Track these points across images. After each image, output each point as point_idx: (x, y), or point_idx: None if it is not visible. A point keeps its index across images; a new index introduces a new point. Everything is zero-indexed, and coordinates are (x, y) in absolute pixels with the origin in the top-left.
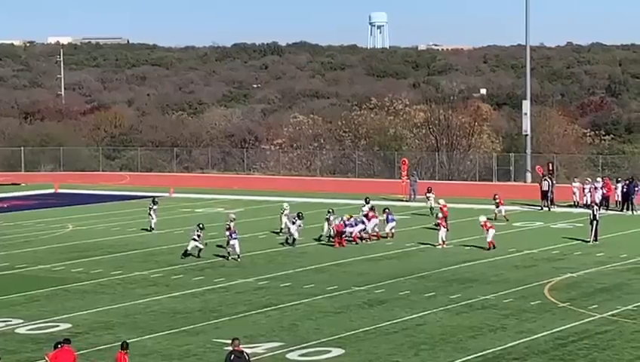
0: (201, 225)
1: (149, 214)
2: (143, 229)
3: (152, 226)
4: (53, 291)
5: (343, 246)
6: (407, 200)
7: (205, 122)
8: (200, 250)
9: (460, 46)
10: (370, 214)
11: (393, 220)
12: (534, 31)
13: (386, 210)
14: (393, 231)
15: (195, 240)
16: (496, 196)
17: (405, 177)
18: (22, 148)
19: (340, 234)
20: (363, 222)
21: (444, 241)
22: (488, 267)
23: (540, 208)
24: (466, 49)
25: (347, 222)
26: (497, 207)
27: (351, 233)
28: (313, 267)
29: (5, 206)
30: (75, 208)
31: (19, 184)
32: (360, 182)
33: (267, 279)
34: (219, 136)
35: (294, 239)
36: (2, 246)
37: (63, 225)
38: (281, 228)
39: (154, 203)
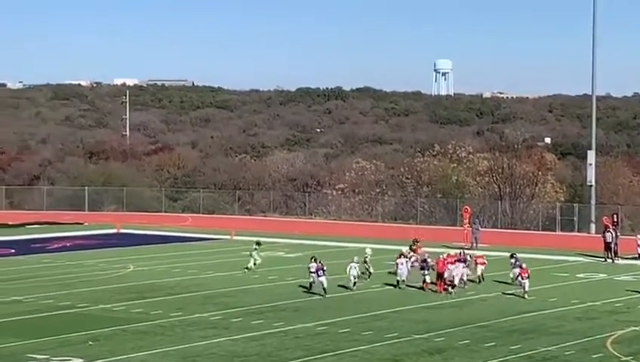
0: (314, 258)
1: (251, 255)
2: (208, 271)
3: (250, 267)
4: (112, 331)
5: (441, 292)
6: (468, 249)
7: (268, 165)
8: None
9: (525, 94)
10: (449, 260)
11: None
12: (601, 81)
13: (514, 256)
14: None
15: (312, 273)
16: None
17: (467, 225)
18: (86, 187)
19: (441, 276)
20: (465, 261)
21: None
22: (550, 318)
23: (603, 260)
24: (531, 97)
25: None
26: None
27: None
28: (372, 313)
29: (68, 245)
30: (137, 248)
31: (82, 223)
32: (422, 229)
33: (326, 324)
34: (281, 179)
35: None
36: (64, 285)
37: (124, 266)
38: (370, 273)
39: (258, 244)
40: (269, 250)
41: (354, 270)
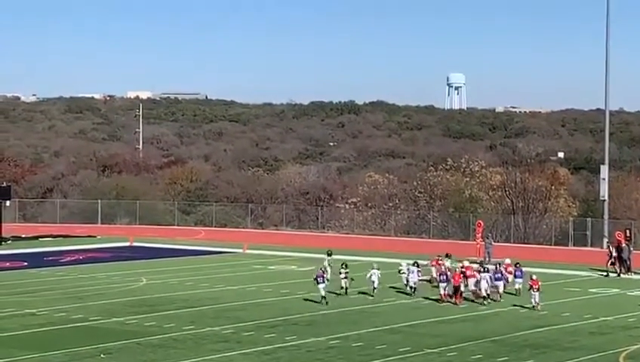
0: (344, 265)
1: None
2: (218, 284)
3: (344, 286)
4: (125, 344)
5: (457, 304)
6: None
7: (281, 179)
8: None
9: (538, 109)
10: (469, 273)
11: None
12: (614, 95)
13: (517, 265)
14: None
15: (345, 278)
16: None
17: (480, 239)
18: (99, 200)
19: (457, 289)
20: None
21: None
22: (563, 333)
23: (617, 275)
24: (544, 112)
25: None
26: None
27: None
28: (386, 327)
29: (81, 258)
30: (150, 262)
31: (95, 236)
32: (434, 243)
33: (339, 338)
34: (294, 193)
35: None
36: (77, 298)
37: (137, 279)
38: (407, 285)
39: (329, 254)
40: (281, 263)
41: (374, 276)
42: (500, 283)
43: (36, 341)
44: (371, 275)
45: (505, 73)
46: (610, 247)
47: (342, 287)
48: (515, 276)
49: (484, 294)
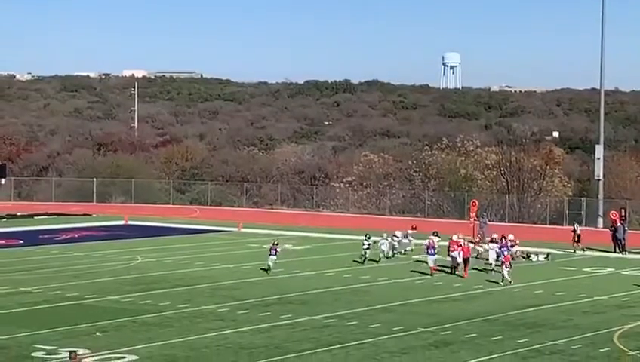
0: (367, 235)
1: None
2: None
3: (385, 255)
4: (120, 322)
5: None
6: (475, 242)
7: (276, 158)
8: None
9: (533, 88)
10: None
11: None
12: (609, 75)
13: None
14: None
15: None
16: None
17: (474, 219)
18: (94, 179)
19: (466, 261)
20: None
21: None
22: (557, 312)
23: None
24: (539, 91)
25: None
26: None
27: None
28: (379, 306)
29: (76, 236)
30: (145, 240)
31: (90, 215)
32: (429, 222)
33: (333, 317)
34: (289, 172)
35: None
36: (72, 276)
37: (132, 257)
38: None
39: (367, 237)
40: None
41: (384, 246)
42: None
43: (32, 318)
44: (381, 244)
45: (500, 52)
46: (575, 226)
47: (362, 256)
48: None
49: (493, 264)
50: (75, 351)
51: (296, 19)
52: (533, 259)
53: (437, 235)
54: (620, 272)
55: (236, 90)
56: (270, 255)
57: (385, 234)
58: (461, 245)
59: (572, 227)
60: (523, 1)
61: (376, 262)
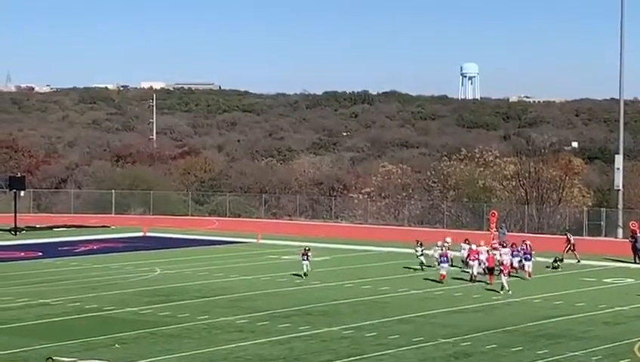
0: (419, 242)
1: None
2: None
3: (425, 263)
4: (139, 334)
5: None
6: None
7: (294, 169)
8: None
9: (551, 98)
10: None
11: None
12: (628, 85)
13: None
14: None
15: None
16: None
17: (494, 229)
18: (113, 190)
19: (491, 270)
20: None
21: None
22: (577, 323)
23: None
24: (558, 101)
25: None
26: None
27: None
28: (398, 317)
29: (95, 248)
30: (164, 252)
31: (109, 226)
32: (448, 233)
33: (352, 328)
34: (307, 183)
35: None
36: (90, 288)
37: (150, 269)
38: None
39: (420, 245)
40: (295, 253)
41: (436, 253)
42: (529, 263)
43: (51, 331)
44: (434, 251)
45: (518, 63)
46: (568, 235)
47: (420, 263)
48: (526, 258)
49: (515, 267)
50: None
51: (314, 31)
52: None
53: (468, 243)
54: None
55: (254, 101)
56: (303, 261)
57: (439, 243)
58: (478, 254)
59: (566, 236)
60: (541, 12)
61: (431, 266)
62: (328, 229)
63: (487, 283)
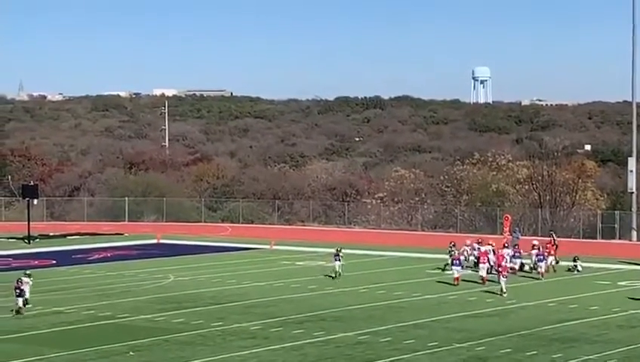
0: (452, 243)
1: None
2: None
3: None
4: (153, 341)
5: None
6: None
7: (307, 175)
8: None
9: (564, 102)
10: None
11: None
12: None
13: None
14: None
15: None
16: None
17: (508, 233)
18: (126, 198)
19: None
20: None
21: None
22: (591, 326)
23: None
24: (571, 104)
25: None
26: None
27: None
28: (412, 322)
29: (109, 255)
30: (177, 259)
31: (122, 234)
32: (462, 238)
33: (367, 334)
34: (320, 189)
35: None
36: (105, 296)
37: (164, 276)
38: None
39: (452, 245)
40: (308, 259)
41: (465, 253)
42: (542, 264)
43: (65, 339)
44: (463, 251)
45: (530, 66)
46: (553, 235)
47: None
48: (539, 259)
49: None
50: None
51: (325, 37)
52: (579, 269)
53: (480, 244)
54: None
55: (266, 107)
56: (335, 261)
57: (468, 241)
58: (487, 255)
59: (550, 237)
60: (553, 15)
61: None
62: (342, 234)
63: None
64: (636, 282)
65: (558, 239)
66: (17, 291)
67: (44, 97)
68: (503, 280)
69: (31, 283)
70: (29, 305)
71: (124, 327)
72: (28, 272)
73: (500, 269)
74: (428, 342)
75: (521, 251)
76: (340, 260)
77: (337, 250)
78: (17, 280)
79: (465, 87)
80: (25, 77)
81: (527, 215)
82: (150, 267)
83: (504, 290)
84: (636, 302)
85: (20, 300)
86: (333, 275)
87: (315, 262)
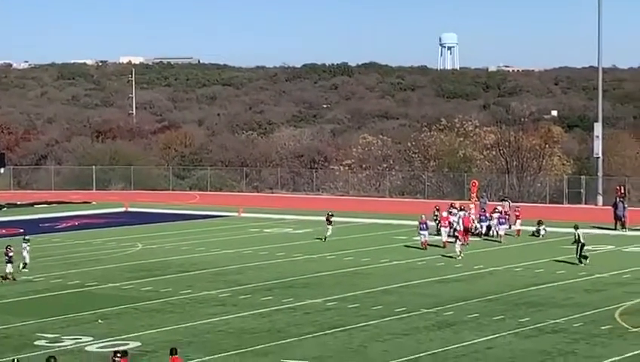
0: (437, 207)
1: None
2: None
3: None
4: (122, 309)
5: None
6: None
7: (275, 142)
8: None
9: (530, 67)
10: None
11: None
12: (607, 52)
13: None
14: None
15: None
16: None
17: (475, 199)
18: (93, 166)
19: (467, 230)
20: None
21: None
22: (558, 290)
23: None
24: (537, 70)
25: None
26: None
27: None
28: (381, 288)
29: (76, 224)
30: (145, 227)
31: (90, 202)
32: (429, 204)
33: (335, 300)
34: (288, 156)
35: None
36: (73, 264)
37: (132, 244)
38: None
39: (437, 210)
40: (276, 226)
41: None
42: (502, 227)
43: (34, 307)
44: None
45: (497, 32)
46: (508, 201)
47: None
48: (500, 223)
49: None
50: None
51: (292, 3)
52: (542, 233)
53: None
54: (621, 249)
55: (234, 74)
56: (327, 225)
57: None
58: (451, 220)
59: (505, 203)
60: None
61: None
62: (310, 202)
63: (464, 244)
64: (602, 246)
65: (522, 205)
66: (7, 258)
67: (10, 65)
68: (458, 243)
69: (29, 248)
70: (26, 270)
71: (93, 295)
72: (27, 238)
73: (457, 234)
74: (396, 307)
75: (488, 215)
76: (331, 224)
77: (329, 215)
78: (6, 247)
79: (432, 54)
80: None
81: (494, 180)
82: (118, 235)
83: (458, 252)
84: (602, 265)
85: (10, 266)
86: (323, 238)
87: (283, 228)
